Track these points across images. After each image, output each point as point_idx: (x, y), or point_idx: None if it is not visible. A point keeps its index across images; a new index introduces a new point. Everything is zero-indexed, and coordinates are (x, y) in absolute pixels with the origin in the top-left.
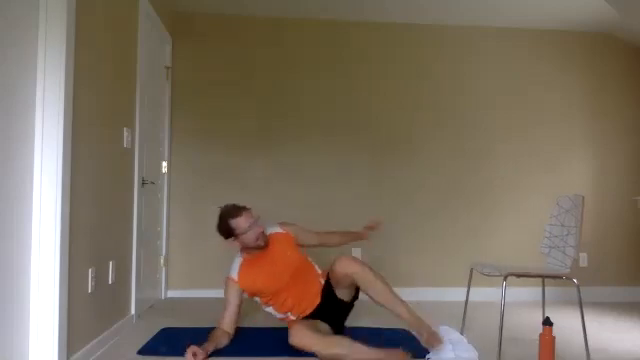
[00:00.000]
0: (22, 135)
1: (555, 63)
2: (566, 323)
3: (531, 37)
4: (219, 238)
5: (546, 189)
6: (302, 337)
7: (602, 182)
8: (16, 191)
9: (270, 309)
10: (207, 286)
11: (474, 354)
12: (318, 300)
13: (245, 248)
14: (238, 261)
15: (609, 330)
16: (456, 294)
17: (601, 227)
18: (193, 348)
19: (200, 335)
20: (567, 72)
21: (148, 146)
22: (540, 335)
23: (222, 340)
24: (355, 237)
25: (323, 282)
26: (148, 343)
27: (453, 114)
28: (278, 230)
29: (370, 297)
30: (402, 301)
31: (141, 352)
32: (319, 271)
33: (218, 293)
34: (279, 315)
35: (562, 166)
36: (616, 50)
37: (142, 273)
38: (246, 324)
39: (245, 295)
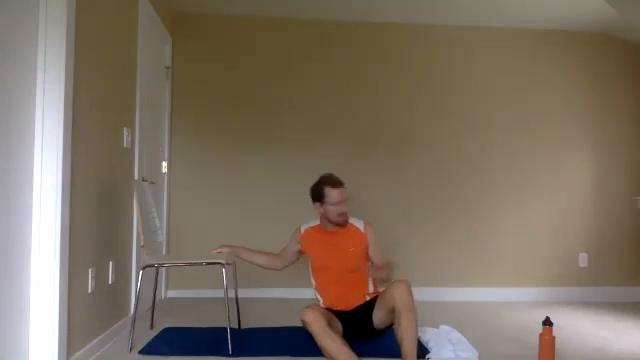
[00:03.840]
0: (22, 135)
1: (555, 63)
2: (566, 323)
3: (531, 37)
4: (218, 238)
5: (546, 189)
6: (315, 320)
7: (602, 182)
8: (16, 191)
9: (314, 283)
10: (207, 286)
11: (474, 354)
12: (351, 307)
13: (324, 218)
14: (315, 222)
15: (609, 330)
16: (456, 294)
17: (601, 227)
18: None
19: (201, 335)
20: (567, 72)
21: (148, 146)
22: (540, 335)
23: (264, 257)
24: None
25: (368, 299)
26: (149, 343)
27: (453, 114)
28: (359, 226)
29: (395, 328)
30: (414, 343)
31: (142, 352)
32: (371, 289)
33: (218, 293)
34: (317, 295)
35: (562, 166)
36: (616, 50)
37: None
38: (246, 324)
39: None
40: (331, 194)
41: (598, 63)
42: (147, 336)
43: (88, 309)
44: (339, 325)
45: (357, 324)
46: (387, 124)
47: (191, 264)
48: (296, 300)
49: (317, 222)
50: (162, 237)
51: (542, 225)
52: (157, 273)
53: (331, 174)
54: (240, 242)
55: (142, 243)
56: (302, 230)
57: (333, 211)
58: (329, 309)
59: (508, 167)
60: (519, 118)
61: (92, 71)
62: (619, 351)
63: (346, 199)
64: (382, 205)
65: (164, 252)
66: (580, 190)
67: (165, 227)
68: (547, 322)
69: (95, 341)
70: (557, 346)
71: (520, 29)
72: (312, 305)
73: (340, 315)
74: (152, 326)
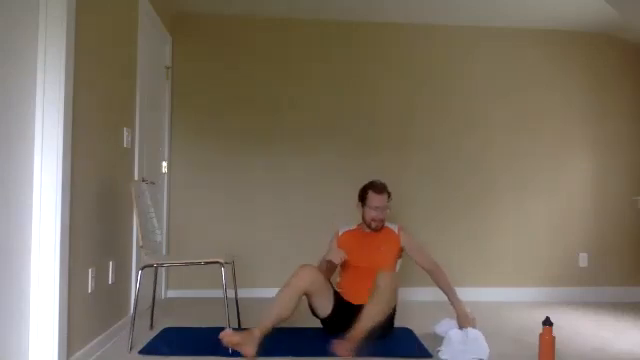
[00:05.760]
0: (22, 135)
1: (555, 63)
2: (566, 323)
3: (531, 37)
4: (218, 238)
5: (546, 189)
6: (299, 278)
7: (602, 182)
8: (16, 191)
9: (338, 280)
10: (207, 286)
11: (485, 353)
12: (358, 302)
13: (362, 219)
14: (350, 226)
15: (609, 330)
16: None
17: (601, 227)
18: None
19: (201, 335)
20: (567, 72)
21: (148, 146)
22: (540, 335)
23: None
24: (451, 303)
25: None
26: (149, 343)
27: (453, 114)
28: (393, 228)
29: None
30: (364, 327)
31: (142, 352)
32: None
33: (218, 293)
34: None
35: (562, 166)
36: (616, 50)
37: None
38: (246, 324)
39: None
40: (371, 198)
41: (598, 63)
42: (147, 336)
43: (88, 309)
44: (330, 297)
45: (347, 313)
46: (387, 124)
47: (190, 264)
48: None
49: (353, 224)
50: (161, 237)
51: (542, 225)
52: (156, 273)
53: (380, 181)
54: (240, 242)
55: (141, 243)
56: (340, 233)
57: (368, 214)
58: (339, 295)
59: (508, 167)
60: (519, 118)
61: (92, 71)
62: (619, 351)
63: (384, 207)
64: None
65: (164, 252)
66: (580, 190)
67: (165, 227)
68: (547, 322)
69: (95, 341)
70: (557, 346)
71: (520, 29)
72: (315, 268)
73: (339, 301)
74: (152, 326)
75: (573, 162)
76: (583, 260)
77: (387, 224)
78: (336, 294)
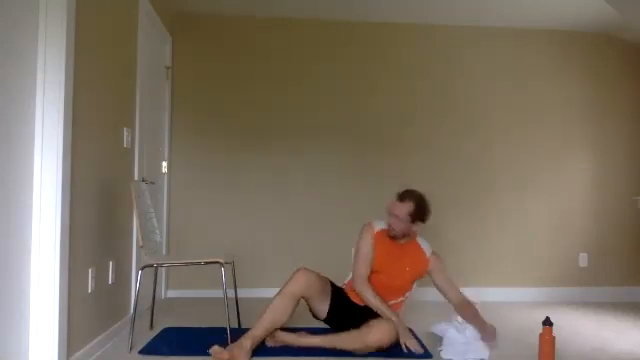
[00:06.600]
0: (22, 135)
1: (556, 63)
2: (566, 323)
3: (531, 37)
4: (218, 238)
5: (546, 189)
6: (296, 282)
7: (602, 182)
8: (16, 191)
9: (350, 276)
10: (207, 286)
11: (485, 354)
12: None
13: None
14: (384, 224)
15: (609, 330)
16: None
17: (601, 227)
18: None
19: (201, 335)
20: (567, 72)
21: (148, 146)
22: (540, 335)
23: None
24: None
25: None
26: (149, 343)
27: (453, 114)
28: (425, 250)
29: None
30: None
31: (142, 352)
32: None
33: (218, 293)
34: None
35: (562, 166)
36: (616, 50)
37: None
38: (246, 324)
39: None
40: (390, 204)
41: (598, 63)
42: (147, 336)
43: (88, 309)
44: (328, 299)
45: (352, 312)
46: (387, 124)
47: (189, 264)
48: None
49: (385, 223)
50: (161, 237)
51: (542, 225)
52: (156, 273)
53: (412, 191)
54: (240, 242)
55: (141, 243)
56: (375, 229)
57: (388, 219)
58: (342, 294)
59: (508, 167)
60: (519, 118)
61: (92, 71)
62: (619, 351)
63: (396, 215)
64: (382, 205)
65: (164, 252)
66: (580, 190)
67: (165, 227)
68: (547, 322)
69: (95, 341)
70: (557, 346)
71: (520, 29)
72: (311, 272)
73: (343, 300)
74: (152, 326)
75: (573, 162)
76: (583, 260)
77: (422, 242)
78: (336, 294)
